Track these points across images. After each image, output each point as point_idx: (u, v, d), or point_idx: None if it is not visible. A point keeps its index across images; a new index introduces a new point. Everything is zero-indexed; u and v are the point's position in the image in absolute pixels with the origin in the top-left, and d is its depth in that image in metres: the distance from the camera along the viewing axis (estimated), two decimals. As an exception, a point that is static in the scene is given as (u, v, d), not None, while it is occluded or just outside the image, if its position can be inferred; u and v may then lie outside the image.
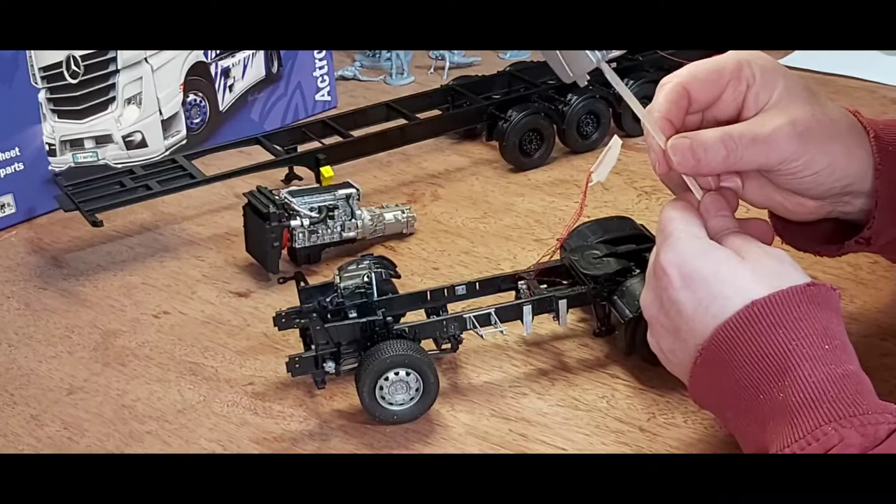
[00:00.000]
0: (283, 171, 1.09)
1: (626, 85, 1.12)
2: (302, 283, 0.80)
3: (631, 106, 0.68)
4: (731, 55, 0.66)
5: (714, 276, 0.61)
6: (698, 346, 0.61)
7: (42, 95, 1.06)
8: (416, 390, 0.75)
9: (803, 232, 0.71)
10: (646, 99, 1.11)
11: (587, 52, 0.65)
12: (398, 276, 0.82)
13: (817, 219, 0.70)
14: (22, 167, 1.06)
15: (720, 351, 0.60)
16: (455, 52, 1.37)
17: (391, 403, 0.75)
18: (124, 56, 1.10)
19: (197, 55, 1.15)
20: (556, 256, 0.83)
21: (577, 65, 0.66)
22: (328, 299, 0.78)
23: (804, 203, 0.68)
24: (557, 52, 0.66)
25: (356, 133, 1.09)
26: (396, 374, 0.74)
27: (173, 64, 1.14)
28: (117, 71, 1.10)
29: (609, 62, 0.67)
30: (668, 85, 0.66)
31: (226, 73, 1.19)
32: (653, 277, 0.64)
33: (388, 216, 0.98)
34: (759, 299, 0.59)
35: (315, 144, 1.08)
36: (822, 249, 0.72)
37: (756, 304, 0.59)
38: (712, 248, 0.62)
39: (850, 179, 0.67)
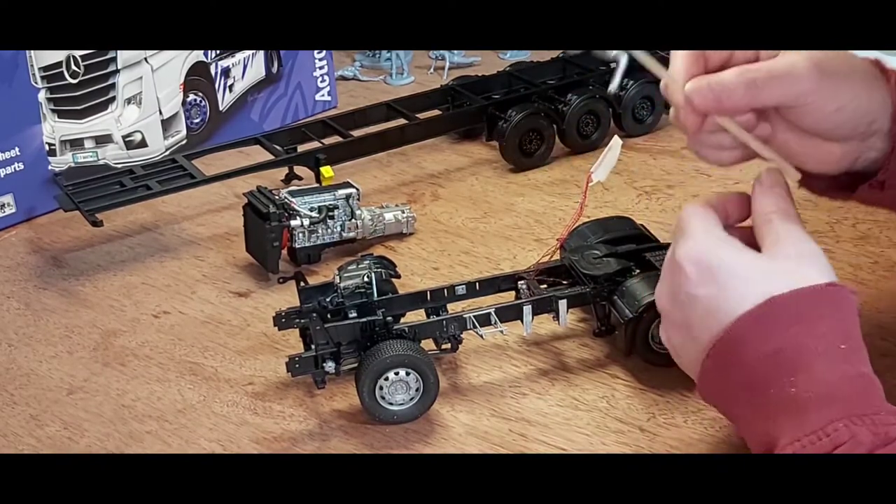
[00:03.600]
0: (283, 171, 1.09)
1: (626, 85, 1.12)
2: (302, 283, 0.80)
3: (655, 71, 0.68)
4: None
5: (730, 273, 0.60)
6: (711, 339, 0.60)
7: (42, 95, 1.06)
8: (416, 390, 0.75)
9: (821, 177, 0.70)
10: (645, 99, 1.12)
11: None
12: (398, 276, 0.82)
13: (843, 169, 0.69)
14: (22, 167, 1.06)
15: (735, 343, 0.59)
16: (455, 52, 1.37)
17: (391, 403, 0.75)
18: (124, 56, 1.10)
19: (197, 55, 1.15)
20: (556, 256, 0.83)
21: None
22: (328, 299, 0.78)
23: (832, 150, 0.67)
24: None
25: (356, 133, 1.09)
26: (396, 374, 0.74)
27: (173, 64, 1.14)
28: (117, 71, 1.10)
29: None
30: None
31: (226, 73, 1.19)
32: (668, 272, 0.64)
33: (388, 216, 0.98)
34: (777, 295, 0.59)
35: (315, 144, 1.08)
36: (837, 194, 0.71)
37: (775, 301, 0.59)
38: (730, 245, 0.62)
39: (874, 115, 0.67)
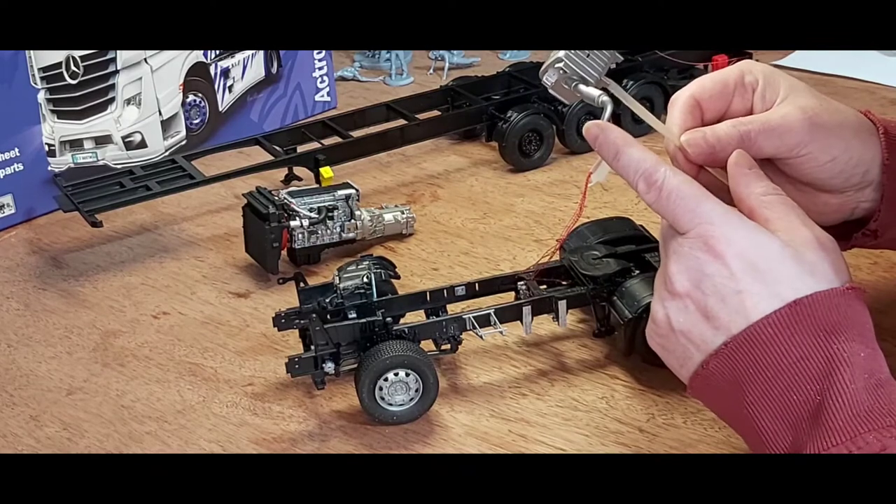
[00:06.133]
0: (283, 171, 1.09)
1: (626, 86, 1.12)
2: (301, 284, 0.80)
3: (646, 120, 0.69)
4: (733, 66, 0.68)
5: (771, 272, 0.58)
6: (733, 333, 0.58)
7: (42, 96, 1.06)
8: (416, 391, 0.75)
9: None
10: (646, 100, 1.12)
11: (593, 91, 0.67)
12: (398, 277, 0.82)
13: (841, 220, 0.70)
14: (21, 168, 1.06)
15: (755, 345, 0.58)
16: (454, 52, 1.38)
17: (391, 404, 0.75)
18: (124, 56, 1.10)
19: (197, 55, 1.15)
20: (556, 257, 0.83)
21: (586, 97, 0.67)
22: (328, 300, 0.78)
23: (828, 201, 0.68)
24: (579, 87, 0.67)
25: (356, 134, 1.09)
26: (396, 374, 0.74)
27: (173, 64, 1.14)
28: (117, 71, 1.10)
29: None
30: (681, 99, 0.67)
31: (225, 73, 1.19)
32: (699, 252, 0.60)
33: (388, 217, 0.98)
34: (803, 298, 0.58)
35: (314, 145, 1.08)
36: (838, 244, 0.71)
37: (800, 304, 0.57)
38: (773, 240, 0.59)
39: (866, 166, 0.67)
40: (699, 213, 0.60)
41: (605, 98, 0.66)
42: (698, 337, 0.60)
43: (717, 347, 0.59)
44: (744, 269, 0.59)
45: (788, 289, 0.58)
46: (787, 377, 0.57)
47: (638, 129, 1.12)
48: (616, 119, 1.12)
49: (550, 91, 0.68)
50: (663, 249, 0.63)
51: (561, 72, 0.66)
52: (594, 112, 1.10)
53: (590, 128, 0.65)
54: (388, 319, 0.76)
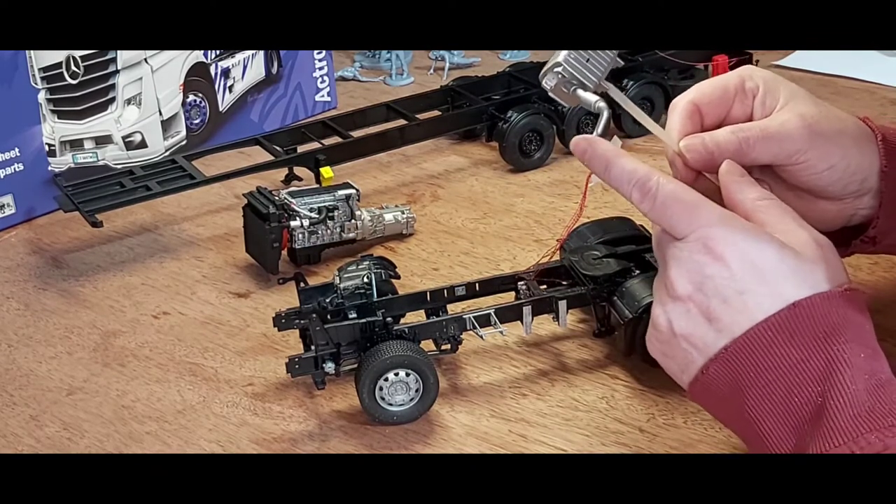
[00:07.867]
0: (283, 171, 1.09)
1: (626, 86, 1.12)
2: (302, 284, 0.80)
3: (645, 125, 0.68)
4: (734, 71, 0.68)
5: (772, 273, 0.58)
6: (733, 337, 0.58)
7: (42, 96, 1.06)
8: (416, 391, 0.75)
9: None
10: (646, 100, 1.12)
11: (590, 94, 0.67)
12: (398, 277, 0.82)
13: (839, 226, 0.70)
14: (22, 168, 1.06)
15: (756, 348, 0.58)
16: (455, 52, 1.38)
17: (391, 404, 0.75)
18: (124, 56, 1.10)
19: (197, 56, 1.15)
20: (556, 257, 0.83)
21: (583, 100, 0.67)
22: (328, 300, 0.78)
23: (826, 208, 0.68)
24: (578, 93, 0.67)
25: (356, 134, 1.09)
26: (396, 374, 0.74)
27: (173, 64, 1.14)
28: (117, 71, 1.10)
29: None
30: (680, 104, 0.67)
31: (226, 73, 1.19)
32: (699, 255, 0.60)
33: (388, 217, 0.98)
34: (802, 300, 0.58)
35: (315, 145, 1.08)
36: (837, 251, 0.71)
37: (800, 306, 0.58)
38: (772, 241, 0.59)
39: (864, 174, 0.68)
40: (696, 217, 0.60)
41: (602, 104, 0.67)
42: (700, 340, 0.60)
43: (718, 351, 0.59)
44: (745, 269, 0.59)
45: (790, 289, 0.58)
46: (788, 380, 0.57)
47: (639, 129, 1.12)
48: (617, 119, 1.13)
49: (550, 94, 0.68)
50: (660, 256, 0.63)
51: (560, 76, 0.66)
52: (594, 112, 1.10)
53: (578, 142, 0.64)
54: (389, 319, 0.76)
